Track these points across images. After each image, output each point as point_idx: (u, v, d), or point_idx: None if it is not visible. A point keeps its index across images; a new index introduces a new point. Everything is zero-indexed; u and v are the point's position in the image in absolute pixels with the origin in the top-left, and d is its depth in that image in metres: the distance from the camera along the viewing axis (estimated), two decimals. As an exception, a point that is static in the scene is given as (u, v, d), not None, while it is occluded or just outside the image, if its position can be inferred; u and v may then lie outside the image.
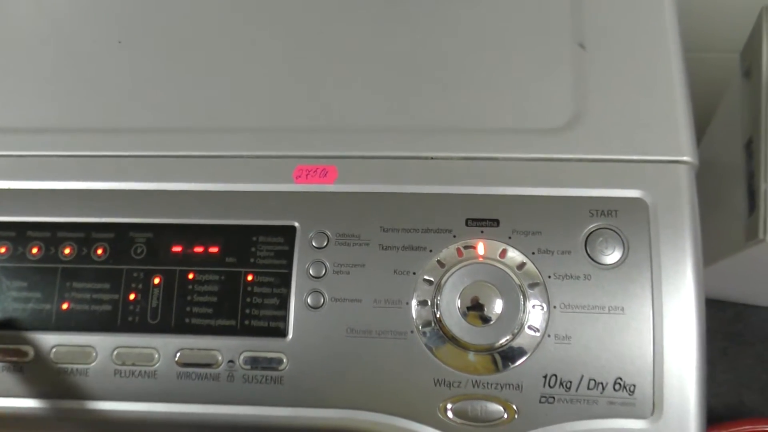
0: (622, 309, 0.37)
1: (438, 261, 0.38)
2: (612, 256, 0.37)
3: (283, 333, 0.38)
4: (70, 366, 0.39)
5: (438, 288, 0.37)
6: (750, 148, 0.57)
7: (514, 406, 0.37)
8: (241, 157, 0.42)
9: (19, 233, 0.41)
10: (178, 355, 0.39)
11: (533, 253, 0.38)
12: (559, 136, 0.40)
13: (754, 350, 0.74)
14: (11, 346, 0.39)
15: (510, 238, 0.38)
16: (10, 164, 0.43)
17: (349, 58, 0.45)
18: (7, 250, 0.41)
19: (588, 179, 0.39)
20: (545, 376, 0.37)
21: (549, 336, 0.37)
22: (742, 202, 0.57)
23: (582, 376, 0.36)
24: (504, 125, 0.41)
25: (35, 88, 0.46)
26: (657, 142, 0.40)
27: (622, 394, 0.36)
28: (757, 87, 0.56)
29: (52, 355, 0.39)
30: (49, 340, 0.39)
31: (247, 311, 0.39)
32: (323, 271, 0.39)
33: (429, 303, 0.37)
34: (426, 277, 0.38)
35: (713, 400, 0.69)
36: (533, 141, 0.40)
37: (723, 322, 0.74)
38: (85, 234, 0.41)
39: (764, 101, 0.55)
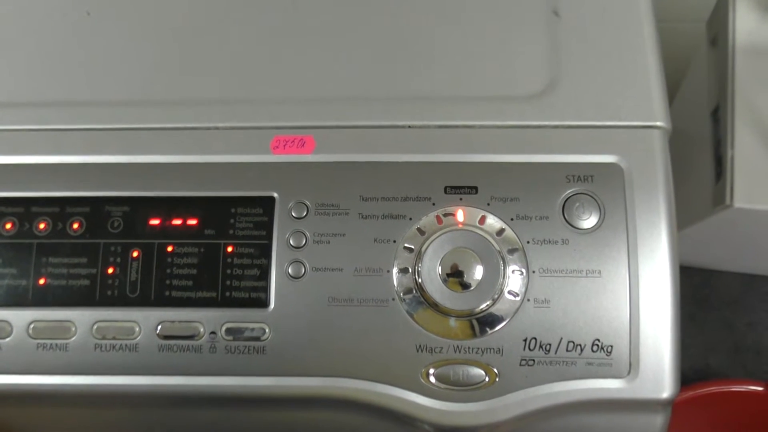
0: (599, 272, 0.37)
1: (418, 229, 0.38)
2: (589, 221, 0.38)
3: (264, 303, 0.38)
4: (48, 341, 0.39)
5: (418, 255, 0.38)
6: (716, 116, 0.58)
7: (495, 370, 0.37)
8: (218, 128, 0.41)
9: (-9, 209, 0.40)
10: (159, 327, 0.38)
11: (512, 219, 0.38)
12: (534, 103, 0.41)
13: (720, 314, 0.75)
14: (-13, 323, 0.39)
15: (489, 204, 0.38)
16: (-20, 139, 0.42)
17: (325, 28, 0.44)
18: (-21, 226, 0.40)
19: (564, 145, 0.39)
20: (525, 340, 0.37)
21: (528, 300, 0.37)
22: (709, 169, 0.58)
23: (561, 339, 0.37)
24: (480, 93, 0.42)
25: (1, 61, 0.45)
26: (631, 108, 0.40)
27: (599, 355, 0.37)
28: (723, 56, 0.57)
29: (30, 331, 0.39)
30: (26, 316, 0.39)
31: (228, 283, 0.39)
32: (303, 241, 0.39)
33: (410, 270, 0.38)
34: (406, 245, 0.38)
35: (681, 364, 0.71)
36: (509, 108, 0.41)
37: (690, 288, 0.76)
38: (60, 208, 0.40)
39: (730, 70, 0.56)
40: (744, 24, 0.57)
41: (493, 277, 0.37)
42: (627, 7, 0.43)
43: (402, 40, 0.44)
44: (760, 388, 0.68)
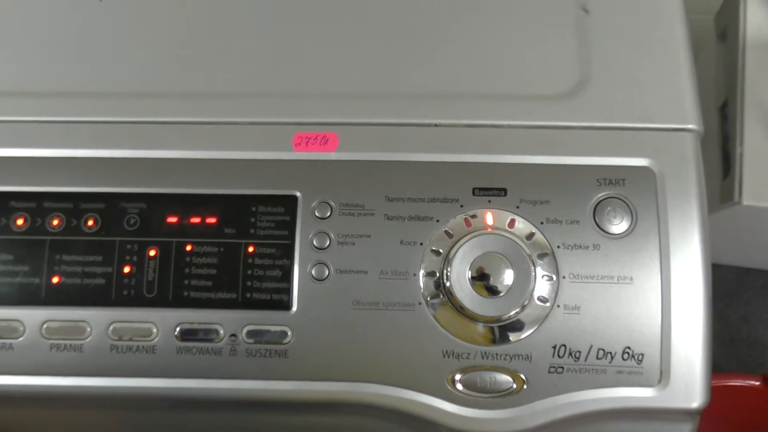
0: (631, 279, 0.37)
1: (446, 231, 0.37)
2: (620, 226, 0.37)
3: (287, 306, 0.37)
4: (63, 342, 0.38)
5: (447, 259, 0.37)
6: (725, 111, 0.58)
7: (523, 377, 0.36)
8: (237, 123, 0.40)
9: (1, 204, 0.39)
10: (177, 329, 0.37)
11: (542, 223, 0.37)
12: (564, 102, 0.40)
13: (714, 307, 0.75)
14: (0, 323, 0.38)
15: (518, 207, 0.37)
16: (-10, 130, 0.40)
17: (350, 22, 0.43)
18: (-10, 221, 0.39)
19: (594, 147, 0.38)
20: (554, 347, 0.36)
21: (558, 306, 0.36)
22: (716, 165, 0.57)
23: (591, 346, 0.36)
24: (508, 91, 0.41)
25: (13, 50, 0.43)
26: (663, 110, 0.39)
27: (630, 363, 0.36)
28: (733, 50, 0.56)
29: (43, 331, 0.38)
30: (39, 315, 0.38)
31: (249, 284, 0.37)
32: (327, 242, 0.38)
33: (437, 274, 0.37)
34: (433, 248, 0.37)
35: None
36: (538, 108, 0.40)
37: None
38: (74, 204, 0.39)
39: (740, 65, 0.55)
40: (755, 19, 0.56)
41: (524, 282, 0.36)
42: (658, 5, 0.42)
43: (429, 36, 0.42)
44: (757, 383, 0.67)
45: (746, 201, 0.51)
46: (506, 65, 0.41)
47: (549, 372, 0.36)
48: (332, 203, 0.38)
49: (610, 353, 0.36)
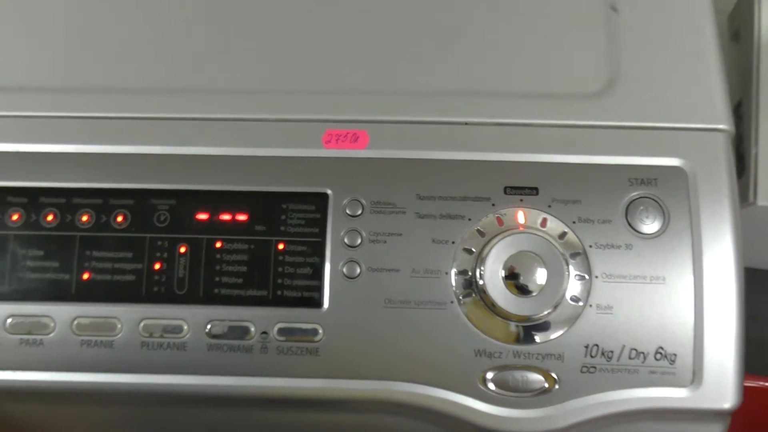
0: (663, 279, 0.36)
1: (477, 230, 0.37)
2: (652, 226, 0.37)
3: (318, 303, 0.37)
4: (93, 338, 0.37)
5: (479, 258, 0.37)
6: (739, 111, 0.57)
7: (555, 376, 0.36)
8: (267, 120, 0.40)
9: (31, 199, 0.39)
10: (208, 326, 0.37)
11: (573, 222, 0.37)
12: (594, 102, 0.40)
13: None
14: (30, 319, 0.38)
15: (549, 206, 0.37)
16: (19, 126, 0.40)
17: (381, 19, 0.43)
18: (19, 217, 0.39)
19: (626, 147, 0.38)
20: (587, 346, 0.36)
21: (591, 306, 0.36)
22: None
23: (623, 346, 0.36)
24: (537, 90, 0.40)
25: (45, 45, 0.43)
26: (694, 110, 0.39)
27: (662, 363, 0.36)
28: (747, 50, 0.56)
29: (74, 327, 0.37)
30: (69, 311, 0.38)
31: (279, 281, 0.37)
32: (359, 240, 0.37)
33: (470, 273, 0.37)
34: (465, 247, 0.37)
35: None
36: (568, 107, 0.40)
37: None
38: (103, 200, 0.39)
39: (755, 65, 0.55)
40: (770, 19, 0.56)
41: (557, 282, 0.36)
42: (687, 4, 0.42)
43: (457, 34, 0.42)
44: (767, 384, 0.67)
45: (761, 201, 0.51)
46: (535, 64, 0.41)
47: (581, 372, 0.36)
48: (363, 201, 0.38)
49: (643, 353, 0.36)
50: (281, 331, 0.37)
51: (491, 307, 0.36)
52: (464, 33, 0.42)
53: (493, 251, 0.36)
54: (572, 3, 0.43)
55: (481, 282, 0.36)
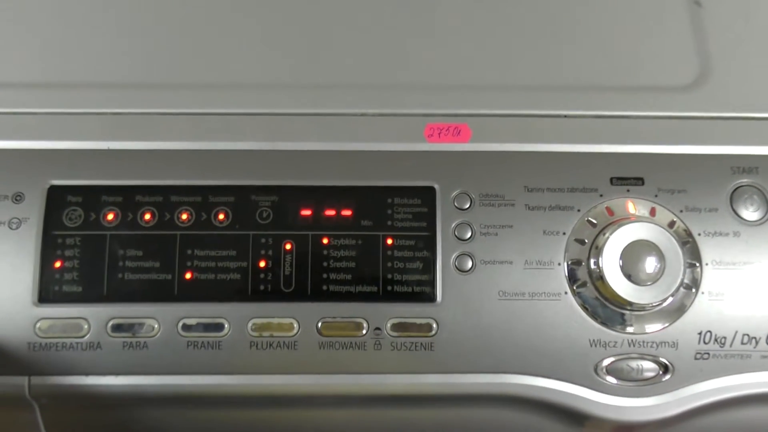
0: (772, 264, 0.37)
1: (588, 220, 0.37)
2: (756, 213, 0.38)
3: (431, 298, 0.37)
4: (200, 339, 0.36)
5: (593, 248, 0.37)
6: None
7: (670, 364, 0.37)
8: (366, 115, 0.40)
9: (127, 198, 0.38)
10: (320, 324, 0.37)
11: (681, 211, 0.38)
12: (688, 93, 0.40)
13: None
14: (133, 320, 0.36)
15: (656, 196, 0.38)
16: (112, 123, 0.39)
17: (478, 13, 0.43)
18: (115, 216, 0.37)
19: (725, 136, 0.39)
20: (700, 333, 0.37)
21: (703, 293, 0.37)
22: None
23: (736, 332, 0.37)
24: (631, 83, 0.41)
25: (131, 41, 0.42)
26: (788, 99, 0.40)
27: (774, 348, 0.37)
28: None
29: (179, 329, 0.36)
30: (174, 311, 0.37)
31: (390, 276, 0.37)
32: (470, 233, 0.37)
33: (583, 263, 0.37)
34: (577, 237, 0.37)
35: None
36: (664, 99, 0.40)
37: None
38: (202, 198, 0.38)
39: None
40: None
41: (675, 270, 0.36)
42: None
43: (552, 28, 0.43)
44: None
45: None
46: (625, 57, 0.42)
47: (695, 358, 0.37)
48: (472, 194, 0.38)
49: (755, 338, 0.37)
50: (395, 327, 0.37)
51: (607, 296, 0.36)
52: (558, 27, 0.43)
53: (609, 241, 0.36)
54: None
55: (597, 272, 0.36)
